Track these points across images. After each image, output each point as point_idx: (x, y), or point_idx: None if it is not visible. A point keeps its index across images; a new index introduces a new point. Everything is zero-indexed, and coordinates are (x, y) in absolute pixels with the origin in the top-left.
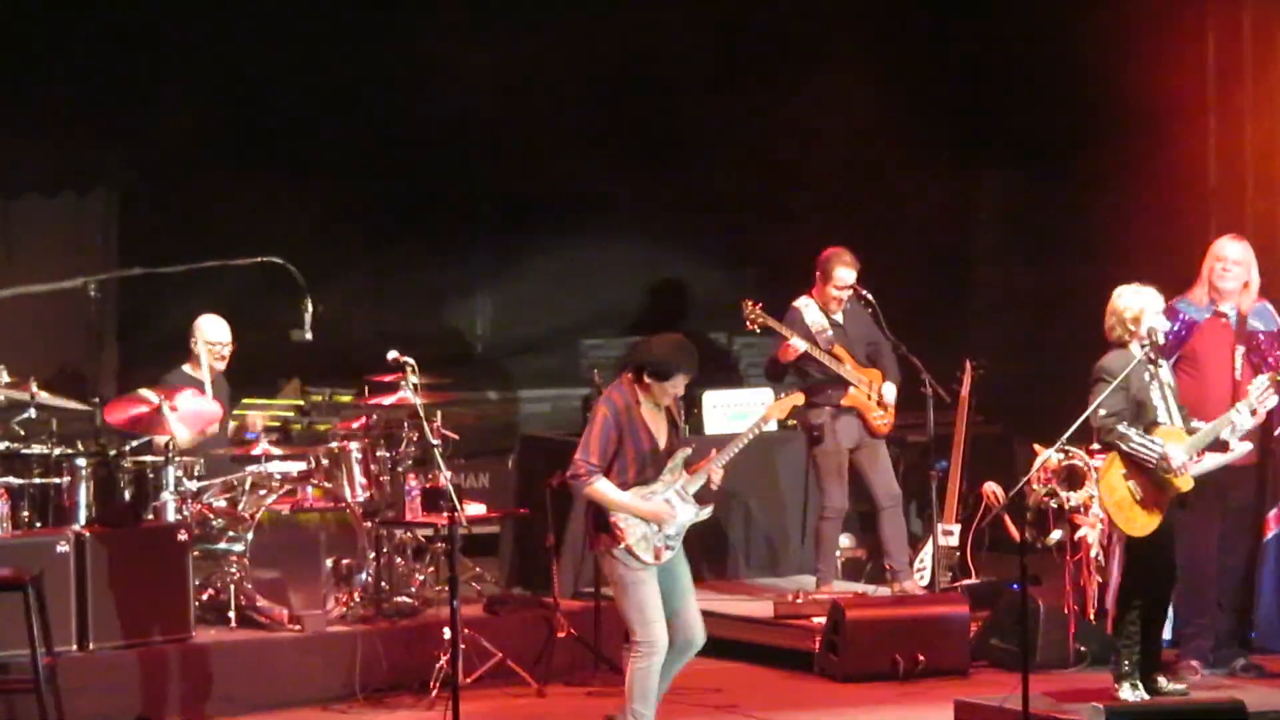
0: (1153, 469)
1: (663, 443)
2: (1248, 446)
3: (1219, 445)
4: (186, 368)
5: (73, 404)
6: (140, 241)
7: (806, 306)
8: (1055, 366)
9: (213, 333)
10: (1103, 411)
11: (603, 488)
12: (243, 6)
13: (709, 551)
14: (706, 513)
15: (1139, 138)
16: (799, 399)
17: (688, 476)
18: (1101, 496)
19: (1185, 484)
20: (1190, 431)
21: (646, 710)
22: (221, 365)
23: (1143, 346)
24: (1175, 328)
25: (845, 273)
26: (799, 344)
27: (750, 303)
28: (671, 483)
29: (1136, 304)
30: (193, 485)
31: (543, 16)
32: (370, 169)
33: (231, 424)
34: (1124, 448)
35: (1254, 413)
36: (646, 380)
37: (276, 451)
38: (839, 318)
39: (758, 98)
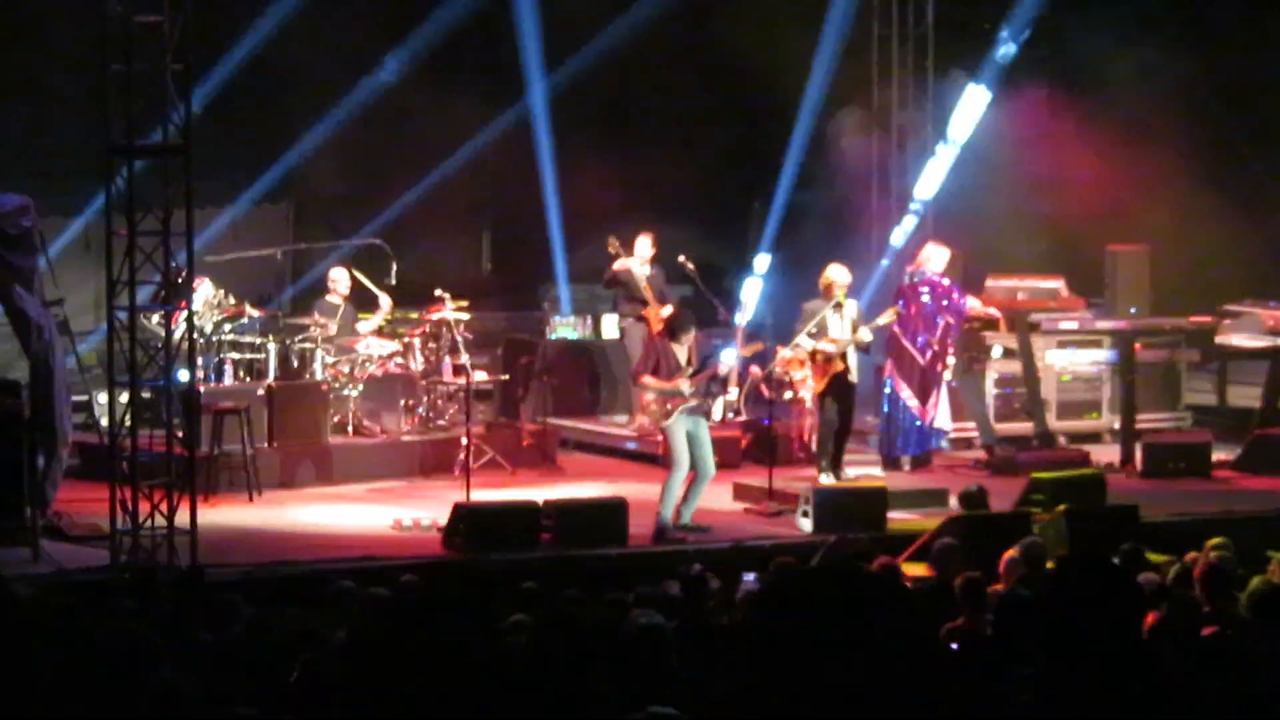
0: (814, 355)
1: (684, 361)
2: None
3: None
4: None
5: None
6: None
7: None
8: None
9: None
10: (803, 330)
11: (646, 379)
12: None
13: (585, 390)
14: (694, 402)
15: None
16: (759, 346)
17: (689, 382)
18: (793, 372)
19: (834, 365)
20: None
21: (666, 510)
22: None
23: (832, 297)
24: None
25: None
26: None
27: (615, 240)
28: (683, 380)
29: (829, 276)
30: None
31: None
32: None
33: None
34: (805, 346)
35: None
36: (670, 335)
37: None
38: (648, 270)
39: None
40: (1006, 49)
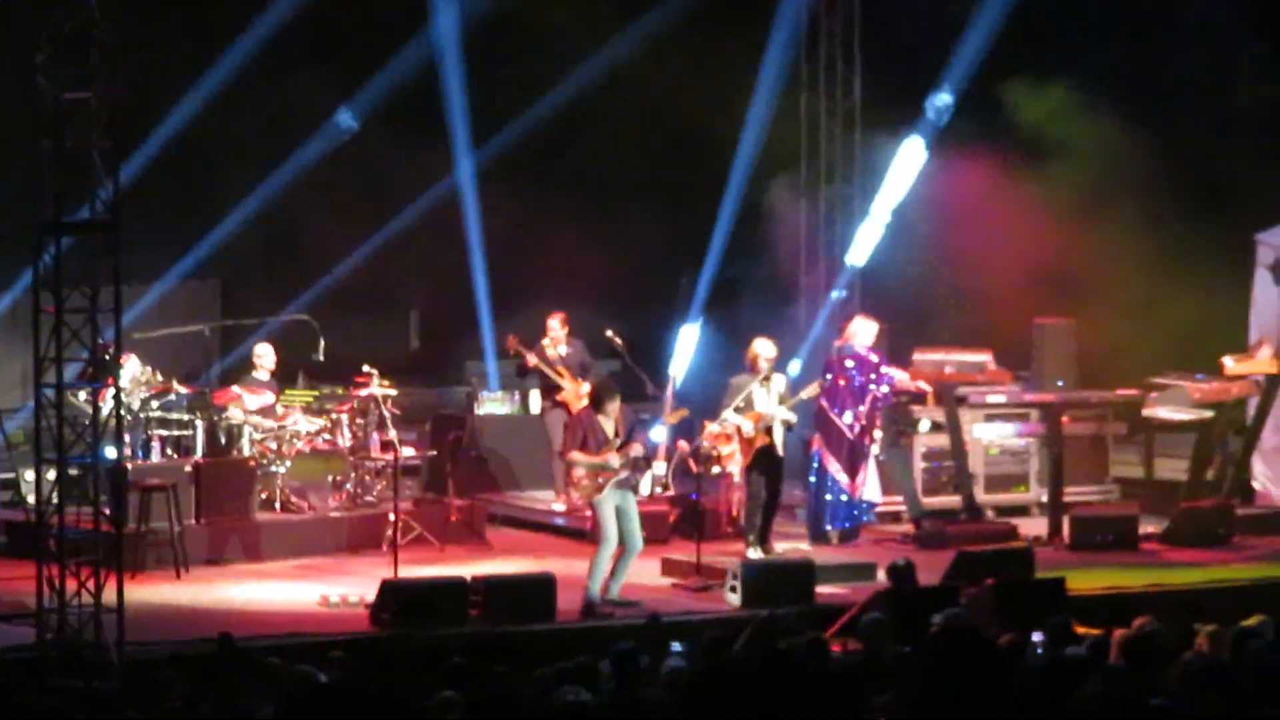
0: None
1: (611, 435)
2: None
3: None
4: None
5: None
6: None
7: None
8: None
9: None
10: (730, 405)
11: (574, 455)
12: None
13: (513, 466)
14: (624, 475)
15: None
16: (684, 412)
17: (617, 454)
18: (721, 447)
19: (759, 440)
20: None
21: (594, 585)
22: None
23: (758, 371)
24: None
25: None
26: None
27: (512, 339)
28: (612, 454)
29: (754, 349)
30: None
31: None
32: None
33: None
34: (729, 422)
35: (792, 406)
36: (594, 407)
37: None
38: (562, 350)
39: None
40: (940, 117)
